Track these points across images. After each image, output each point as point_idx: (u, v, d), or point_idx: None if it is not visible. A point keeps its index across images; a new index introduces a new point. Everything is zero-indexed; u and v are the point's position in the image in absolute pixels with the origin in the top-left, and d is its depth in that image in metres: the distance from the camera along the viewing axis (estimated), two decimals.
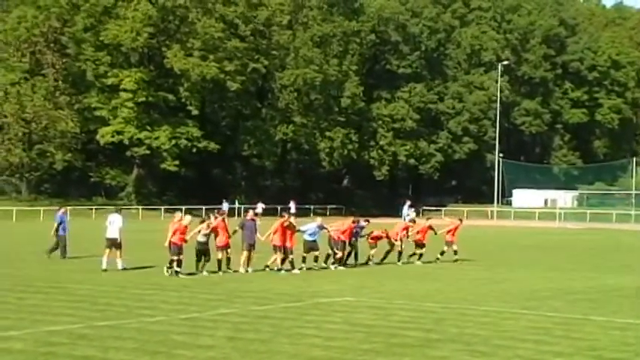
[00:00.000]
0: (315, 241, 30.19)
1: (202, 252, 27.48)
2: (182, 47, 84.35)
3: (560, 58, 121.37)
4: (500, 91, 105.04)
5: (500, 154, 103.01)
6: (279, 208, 76.36)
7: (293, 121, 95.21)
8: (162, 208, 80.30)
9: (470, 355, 14.63)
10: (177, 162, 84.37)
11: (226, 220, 28.98)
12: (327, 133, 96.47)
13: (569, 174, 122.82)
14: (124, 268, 28.19)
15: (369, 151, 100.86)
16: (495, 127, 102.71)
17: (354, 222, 31.76)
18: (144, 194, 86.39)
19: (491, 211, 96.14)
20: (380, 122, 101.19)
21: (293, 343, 15.52)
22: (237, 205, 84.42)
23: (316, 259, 30.15)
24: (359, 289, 24.45)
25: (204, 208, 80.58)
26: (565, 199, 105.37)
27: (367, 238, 32.60)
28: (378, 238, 32.87)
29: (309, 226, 30.40)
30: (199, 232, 27.48)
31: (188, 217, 27.41)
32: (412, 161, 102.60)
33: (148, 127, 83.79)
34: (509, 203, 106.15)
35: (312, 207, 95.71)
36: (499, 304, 21.63)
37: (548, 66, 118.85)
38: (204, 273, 27.16)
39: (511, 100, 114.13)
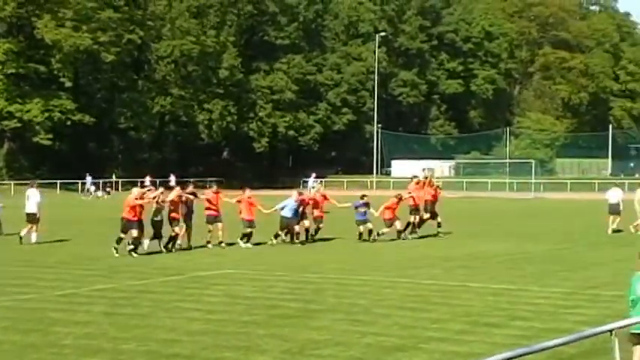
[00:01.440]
0: (293, 217, 29.18)
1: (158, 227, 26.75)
2: (53, 17, 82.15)
3: (436, 30, 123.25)
4: (378, 63, 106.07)
5: (379, 125, 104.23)
6: (157, 181, 75.44)
7: (170, 93, 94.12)
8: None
9: (349, 325, 14.80)
10: (50, 135, 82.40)
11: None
12: (206, 105, 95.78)
13: (446, 144, 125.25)
14: (38, 242, 28.60)
15: (248, 123, 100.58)
16: (373, 98, 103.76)
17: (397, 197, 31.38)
18: (15, 169, 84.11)
19: (371, 182, 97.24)
20: (259, 94, 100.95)
21: (172, 317, 15.41)
22: (114, 178, 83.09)
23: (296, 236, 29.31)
24: (239, 261, 24.44)
25: (79, 182, 79.11)
26: (442, 168, 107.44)
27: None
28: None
29: (286, 202, 29.51)
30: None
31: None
32: (292, 133, 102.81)
33: (19, 100, 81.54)
34: (388, 173, 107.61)
35: (191, 180, 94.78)
36: (378, 273, 21.93)
37: (424, 37, 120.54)
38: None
39: (389, 71, 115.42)
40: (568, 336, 9.11)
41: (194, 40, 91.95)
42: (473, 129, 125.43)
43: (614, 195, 36.19)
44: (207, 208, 28.69)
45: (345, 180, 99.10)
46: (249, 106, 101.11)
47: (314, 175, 62.65)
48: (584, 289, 19.15)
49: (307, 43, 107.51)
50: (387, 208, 30.73)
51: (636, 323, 10.27)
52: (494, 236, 33.14)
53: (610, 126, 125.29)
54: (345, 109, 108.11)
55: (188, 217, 27.78)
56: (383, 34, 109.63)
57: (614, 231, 34.00)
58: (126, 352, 12.69)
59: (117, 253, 25.38)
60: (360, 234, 30.10)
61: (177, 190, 27.98)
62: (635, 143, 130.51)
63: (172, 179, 76.26)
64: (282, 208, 29.32)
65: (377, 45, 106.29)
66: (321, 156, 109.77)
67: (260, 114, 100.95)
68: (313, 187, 49.53)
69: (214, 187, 30.84)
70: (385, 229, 30.45)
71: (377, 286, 19.68)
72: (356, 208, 30.56)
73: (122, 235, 25.69)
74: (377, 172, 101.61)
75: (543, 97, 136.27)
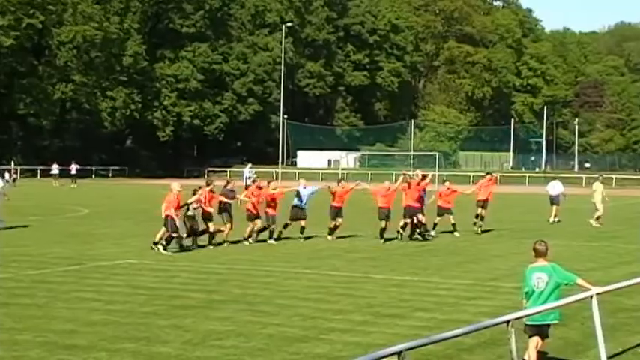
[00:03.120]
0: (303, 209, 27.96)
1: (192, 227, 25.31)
2: None
3: (343, 21, 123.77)
4: (285, 53, 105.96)
5: (285, 116, 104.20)
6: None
7: (73, 80, 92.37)
8: None
9: (252, 315, 14.78)
10: None
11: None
12: (109, 93, 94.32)
13: (351, 135, 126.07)
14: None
15: (152, 111, 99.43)
16: (280, 89, 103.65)
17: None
18: None
19: (276, 172, 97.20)
20: (163, 82, 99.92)
21: (71, 308, 15.16)
22: (12, 166, 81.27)
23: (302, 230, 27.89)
24: (142, 251, 24.14)
25: None
26: (348, 159, 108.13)
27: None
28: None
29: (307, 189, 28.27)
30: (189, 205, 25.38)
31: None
32: (197, 122, 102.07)
33: None
34: (294, 164, 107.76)
35: (94, 168, 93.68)
36: (282, 264, 21.95)
37: (330, 29, 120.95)
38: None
39: (295, 62, 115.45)
40: (467, 327, 9.28)
41: (97, 26, 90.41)
42: (378, 121, 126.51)
43: (555, 187, 37.71)
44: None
45: None
46: (154, 94, 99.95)
47: (249, 165, 62.08)
48: (484, 280, 19.48)
49: (213, 32, 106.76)
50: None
51: (531, 314, 10.53)
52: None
53: (512, 120, 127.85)
54: (251, 99, 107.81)
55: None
56: (289, 24, 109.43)
57: (554, 222, 35.11)
58: (21, 342, 12.44)
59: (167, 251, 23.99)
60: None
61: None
62: (535, 137, 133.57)
63: (73, 168, 75.19)
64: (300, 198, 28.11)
65: (283, 35, 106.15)
66: (227, 146, 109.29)
67: (164, 102, 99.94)
68: (249, 178, 49.63)
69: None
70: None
71: (281, 277, 19.70)
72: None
73: (174, 235, 24.23)
74: (282, 163, 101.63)
75: (448, 90, 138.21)
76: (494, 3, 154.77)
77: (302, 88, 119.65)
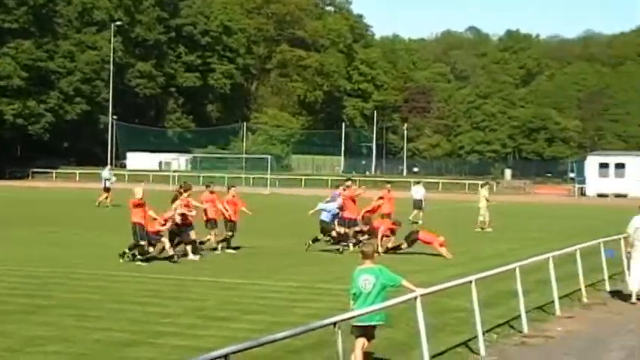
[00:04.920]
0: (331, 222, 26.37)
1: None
2: None
3: (174, 22, 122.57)
4: (114, 52, 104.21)
5: (114, 116, 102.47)
6: None
7: None
8: None
9: (78, 320, 14.53)
10: None
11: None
12: None
13: (183, 137, 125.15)
14: None
15: None
16: (109, 89, 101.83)
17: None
18: None
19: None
20: None
21: None
22: None
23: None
24: None
25: None
26: (179, 161, 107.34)
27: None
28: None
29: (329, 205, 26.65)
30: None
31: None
32: (20, 121, 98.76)
33: None
34: (123, 166, 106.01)
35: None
36: (113, 267, 21.63)
37: (162, 29, 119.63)
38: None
39: (125, 61, 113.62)
40: (295, 329, 9.44)
41: None
42: (210, 123, 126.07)
43: (418, 191, 39.29)
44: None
45: (78, 172, 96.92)
46: None
47: (109, 166, 60.36)
48: (314, 283, 19.76)
49: (38, 29, 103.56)
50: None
51: (357, 316, 10.82)
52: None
53: (343, 124, 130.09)
54: (78, 99, 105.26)
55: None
56: (119, 23, 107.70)
57: (414, 222, 35.99)
58: None
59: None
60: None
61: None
62: (366, 142, 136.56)
63: None
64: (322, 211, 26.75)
65: (112, 34, 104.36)
66: (53, 146, 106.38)
67: None
68: (108, 179, 48.43)
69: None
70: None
71: (109, 280, 19.43)
72: None
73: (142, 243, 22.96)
74: (112, 164, 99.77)
75: (280, 93, 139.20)
76: (326, 8, 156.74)
77: (132, 88, 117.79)
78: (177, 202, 24.14)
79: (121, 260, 22.67)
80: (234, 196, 26.57)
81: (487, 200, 36.96)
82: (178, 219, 23.84)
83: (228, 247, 26.04)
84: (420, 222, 37.29)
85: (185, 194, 24.43)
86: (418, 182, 44.23)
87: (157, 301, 16.82)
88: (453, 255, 25.06)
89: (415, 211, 39.12)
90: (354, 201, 27.84)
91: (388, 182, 36.14)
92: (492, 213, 37.82)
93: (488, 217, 36.55)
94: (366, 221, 28.03)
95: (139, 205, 23.05)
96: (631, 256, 18.37)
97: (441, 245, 25.49)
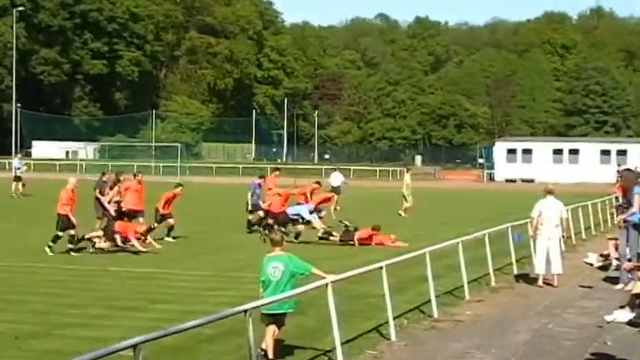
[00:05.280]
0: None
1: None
2: None
3: (79, 8, 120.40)
4: (17, 39, 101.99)
5: (19, 105, 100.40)
6: None
7: None
8: None
9: None
10: None
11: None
12: None
13: (90, 125, 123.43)
14: None
15: None
16: (12, 76, 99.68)
17: None
18: None
19: (9, 163, 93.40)
20: None
21: None
22: None
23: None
24: None
25: None
26: (87, 150, 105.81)
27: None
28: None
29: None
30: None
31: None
32: None
33: None
34: (28, 155, 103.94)
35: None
36: (15, 258, 21.23)
37: (66, 15, 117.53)
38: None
39: (29, 47, 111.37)
40: (206, 317, 9.37)
41: None
42: (118, 111, 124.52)
43: (336, 178, 40.97)
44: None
45: None
46: None
47: (19, 155, 58.81)
48: (225, 271, 19.69)
49: None
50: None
51: (267, 304, 10.79)
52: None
53: (254, 112, 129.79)
54: None
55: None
56: (21, 8, 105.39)
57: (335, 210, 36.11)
58: None
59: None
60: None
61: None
62: (277, 129, 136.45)
63: None
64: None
65: (15, 20, 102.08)
66: None
67: None
68: (18, 169, 47.36)
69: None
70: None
71: (12, 271, 19.04)
72: None
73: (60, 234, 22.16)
74: (17, 153, 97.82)
75: (190, 81, 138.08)
76: None
77: (37, 75, 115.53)
78: (115, 190, 23.86)
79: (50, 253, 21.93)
80: (140, 183, 25.76)
81: (408, 186, 37.46)
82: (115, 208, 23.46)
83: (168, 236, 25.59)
84: (338, 208, 37.36)
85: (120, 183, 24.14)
86: (335, 169, 44.41)
87: (63, 291, 16.56)
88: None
89: (335, 197, 38.99)
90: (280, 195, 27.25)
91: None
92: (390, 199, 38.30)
93: (410, 204, 37.00)
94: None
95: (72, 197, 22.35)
96: (536, 239, 18.73)
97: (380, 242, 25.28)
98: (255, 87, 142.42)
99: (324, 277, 11.54)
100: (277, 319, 11.24)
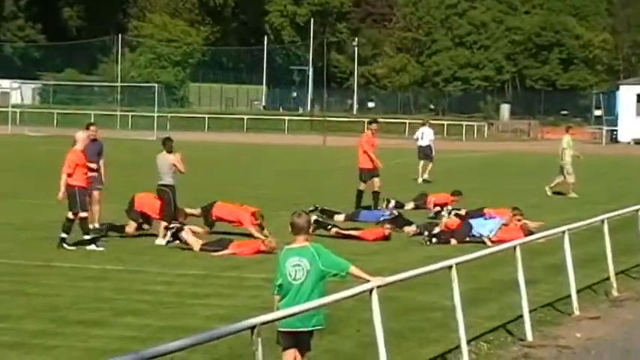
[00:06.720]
0: None
1: None
2: None
3: None
4: None
5: None
6: None
7: None
8: None
9: None
10: None
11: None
12: None
13: (28, 56, 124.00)
14: None
15: None
16: None
17: None
18: None
19: None
20: None
21: None
22: None
23: None
24: None
25: None
26: (22, 92, 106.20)
27: None
28: None
29: None
30: None
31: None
32: None
33: None
34: None
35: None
36: None
37: None
38: None
39: None
40: (194, 337, 9.38)
41: None
42: (69, 36, 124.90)
43: (426, 134, 40.60)
44: None
45: None
46: None
47: None
48: (221, 270, 19.76)
49: None
50: None
51: (285, 317, 10.65)
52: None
53: (265, 38, 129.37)
54: None
55: None
56: None
57: (425, 181, 36.12)
58: None
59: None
60: None
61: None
62: (299, 64, 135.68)
63: None
64: None
65: None
66: None
67: None
68: None
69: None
70: None
71: None
72: None
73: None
74: None
75: None
76: None
77: None
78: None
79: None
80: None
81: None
82: None
83: None
84: (425, 177, 37.64)
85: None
86: (424, 123, 43.82)
87: None
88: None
89: (422, 163, 38.88)
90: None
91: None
92: (480, 166, 38.19)
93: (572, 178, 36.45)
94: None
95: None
96: None
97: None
98: (268, 2, 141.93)
99: (367, 280, 11.49)
100: (299, 340, 11.24)
